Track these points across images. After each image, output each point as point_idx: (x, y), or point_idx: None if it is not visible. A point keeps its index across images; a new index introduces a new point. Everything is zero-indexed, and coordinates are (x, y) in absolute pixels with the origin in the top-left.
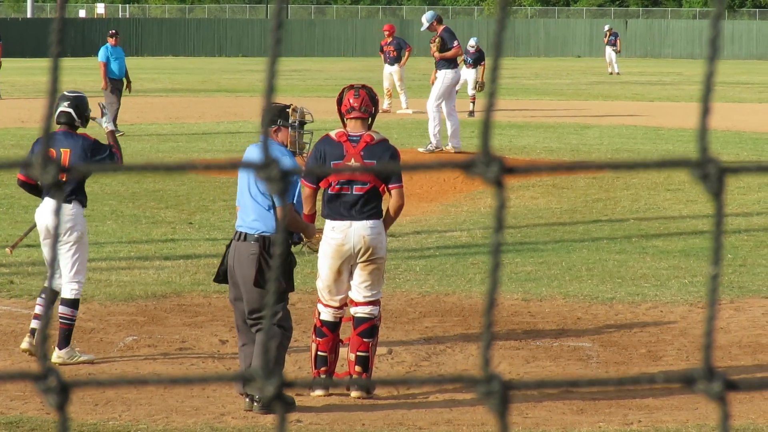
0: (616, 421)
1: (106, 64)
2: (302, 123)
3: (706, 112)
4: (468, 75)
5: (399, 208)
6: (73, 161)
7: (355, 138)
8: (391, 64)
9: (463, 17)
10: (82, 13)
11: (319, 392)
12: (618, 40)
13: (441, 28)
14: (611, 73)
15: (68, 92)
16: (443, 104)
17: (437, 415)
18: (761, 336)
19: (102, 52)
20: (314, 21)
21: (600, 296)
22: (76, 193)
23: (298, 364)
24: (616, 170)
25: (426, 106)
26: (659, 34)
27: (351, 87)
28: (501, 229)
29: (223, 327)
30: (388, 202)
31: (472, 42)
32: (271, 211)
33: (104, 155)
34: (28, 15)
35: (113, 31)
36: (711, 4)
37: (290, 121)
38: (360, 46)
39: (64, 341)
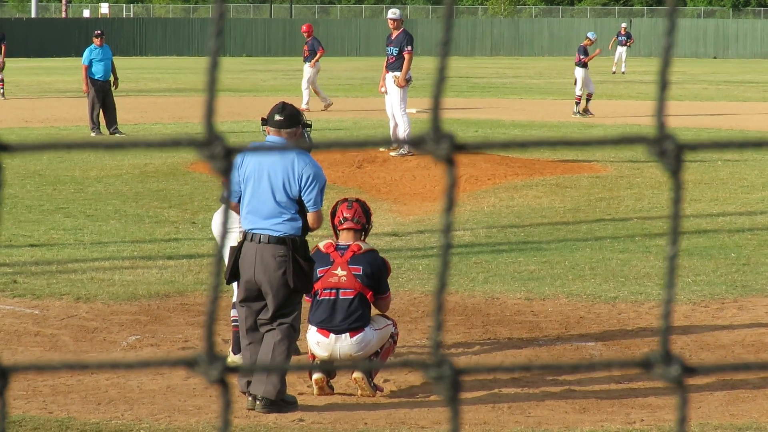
0: (619, 420)
1: (88, 67)
2: (308, 124)
3: (664, 86)
4: (578, 73)
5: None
6: None
7: (343, 247)
8: (305, 62)
9: (467, 17)
10: (86, 13)
11: (316, 376)
12: (631, 41)
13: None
14: (614, 72)
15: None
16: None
17: (440, 414)
18: (764, 335)
19: (86, 54)
20: (318, 21)
21: (603, 295)
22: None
23: (301, 363)
24: (571, 146)
25: (390, 111)
26: (664, 33)
27: (345, 200)
28: (451, 209)
29: (226, 326)
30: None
31: (591, 35)
32: (298, 215)
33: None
34: (33, 15)
35: (98, 32)
36: (715, 3)
37: (308, 122)
38: (364, 46)
39: (237, 345)
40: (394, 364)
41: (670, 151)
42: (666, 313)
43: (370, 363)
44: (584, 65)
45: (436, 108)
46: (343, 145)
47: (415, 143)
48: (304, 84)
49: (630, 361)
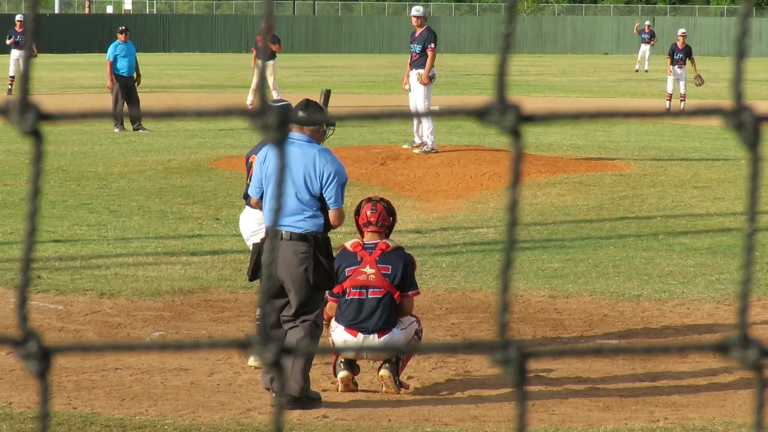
0: (642, 418)
1: (113, 63)
2: (331, 123)
3: (741, 55)
4: (679, 73)
5: (406, 315)
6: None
7: (370, 246)
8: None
9: (489, 14)
10: (109, 9)
11: (342, 374)
12: (654, 39)
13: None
14: (637, 71)
15: (273, 102)
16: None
17: (463, 412)
18: None
19: (110, 50)
20: (341, 17)
21: (627, 293)
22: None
23: (324, 359)
24: (644, 119)
25: (414, 109)
26: (686, 32)
27: (369, 200)
28: (517, 183)
29: (249, 323)
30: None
31: (679, 32)
32: (320, 212)
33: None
34: (56, 11)
35: (122, 27)
36: (738, 1)
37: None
38: (387, 43)
39: None
40: (457, 345)
41: (748, 123)
42: (744, 293)
43: (416, 346)
44: (679, 62)
45: (501, 76)
46: (404, 115)
47: (480, 114)
48: (272, 81)
49: (706, 345)
